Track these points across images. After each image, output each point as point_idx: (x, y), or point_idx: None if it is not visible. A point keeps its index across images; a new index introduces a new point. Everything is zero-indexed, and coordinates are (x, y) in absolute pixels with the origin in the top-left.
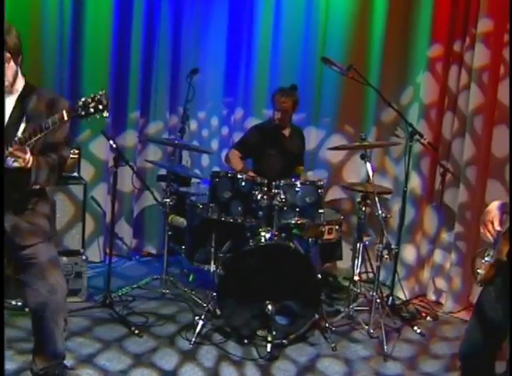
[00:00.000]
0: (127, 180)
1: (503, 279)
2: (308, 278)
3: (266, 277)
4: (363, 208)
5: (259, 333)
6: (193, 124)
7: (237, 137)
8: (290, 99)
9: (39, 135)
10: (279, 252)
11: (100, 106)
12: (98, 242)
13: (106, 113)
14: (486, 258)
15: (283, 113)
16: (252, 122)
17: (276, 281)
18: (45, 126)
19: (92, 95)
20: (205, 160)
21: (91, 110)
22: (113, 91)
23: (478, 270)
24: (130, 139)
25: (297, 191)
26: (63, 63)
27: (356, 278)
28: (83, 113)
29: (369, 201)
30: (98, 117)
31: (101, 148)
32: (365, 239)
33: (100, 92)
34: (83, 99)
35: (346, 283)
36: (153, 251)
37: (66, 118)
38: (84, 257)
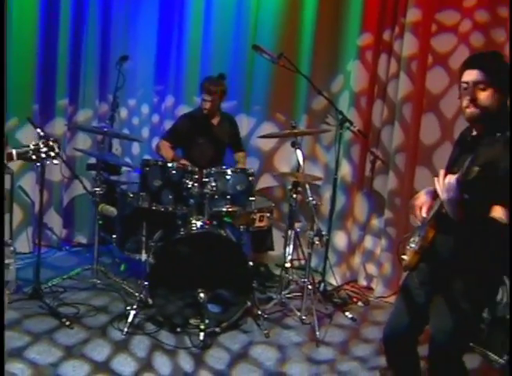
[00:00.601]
0: (56, 169)
1: (428, 265)
2: (240, 266)
3: (198, 265)
4: (294, 196)
5: (192, 321)
6: (123, 112)
7: (168, 125)
8: (216, 87)
9: None
10: (210, 240)
11: (52, 153)
12: (27, 233)
13: (56, 161)
14: (411, 245)
15: (209, 101)
16: (183, 110)
17: (208, 269)
18: None
19: (44, 141)
20: (135, 148)
21: (43, 155)
22: (41, 77)
23: (403, 256)
24: (58, 127)
25: (228, 179)
26: None
27: (288, 265)
28: (33, 157)
29: (300, 189)
30: (48, 162)
31: (28, 136)
32: (296, 226)
33: (52, 139)
34: (34, 143)
35: (278, 271)
36: (84, 241)
37: (15, 159)
38: (12, 248)
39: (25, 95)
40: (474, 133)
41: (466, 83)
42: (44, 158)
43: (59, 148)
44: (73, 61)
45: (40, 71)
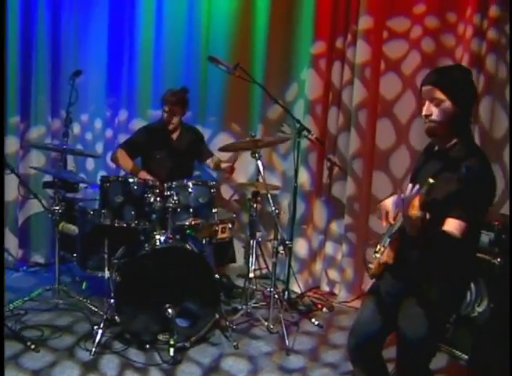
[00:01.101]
0: (10, 188)
1: (393, 275)
2: (206, 278)
3: (164, 281)
4: (255, 205)
5: (160, 337)
6: (76, 128)
7: (122, 139)
8: (177, 100)
9: None
10: (175, 254)
11: None
12: None
13: None
14: (377, 255)
15: (170, 114)
16: (137, 123)
17: (175, 284)
18: None
19: None
20: (90, 164)
21: None
22: None
23: (370, 265)
24: (11, 145)
25: (190, 192)
26: None
27: (251, 275)
28: None
29: (259, 198)
30: None
31: None
32: (257, 235)
33: None
34: None
35: (240, 281)
36: (41, 261)
37: None
38: None
39: None
40: (436, 148)
41: (423, 99)
42: None
43: None
44: (24, 77)
45: None
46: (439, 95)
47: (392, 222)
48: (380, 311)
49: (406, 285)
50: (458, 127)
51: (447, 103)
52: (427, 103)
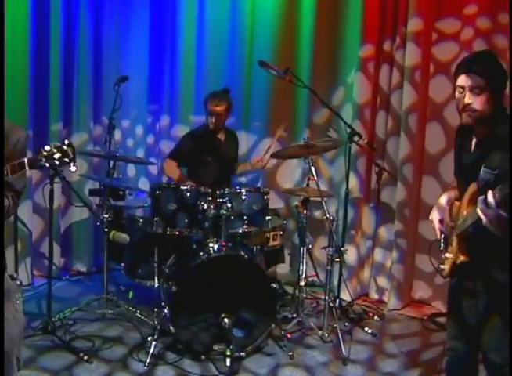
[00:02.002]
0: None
1: (468, 274)
2: (263, 287)
3: (220, 290)
4: (304, 212)
5: (216, 347)
6: (117, 134)
7: (164, 145)
8: (223, 103)
9: None
10: (232, 263)
11: (66, 159)
12: (25, 264)
13: (73, 168)
14: (446, 255)
15: (216, 117)
16: (179, 129)
17: (230, 293)
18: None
19: (58, 145)
20: (131, 170)
21: (56, 161)
22: (34, 102)
23: (441, 266)
24: None
25: (244, 199)
26: None
27: (302, 283)
28: (46, 164)
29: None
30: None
31: None
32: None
33: (66, 142)
34: (47, 149)
35: (288, 289)
36: (83, 269)
37: (27, 168)
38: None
39: (19, 121)
40: (474, 140)
41: (462, 87)
42: (57, 165)
43: (73, 153)
44: (66, 84)
45: (33, 96)
46: (482, 84)
47: (451, 223)
48: (466, 329)
49: (486, 292)
50: (498, 115)
51: (488, 92)
52: (467, 92)
